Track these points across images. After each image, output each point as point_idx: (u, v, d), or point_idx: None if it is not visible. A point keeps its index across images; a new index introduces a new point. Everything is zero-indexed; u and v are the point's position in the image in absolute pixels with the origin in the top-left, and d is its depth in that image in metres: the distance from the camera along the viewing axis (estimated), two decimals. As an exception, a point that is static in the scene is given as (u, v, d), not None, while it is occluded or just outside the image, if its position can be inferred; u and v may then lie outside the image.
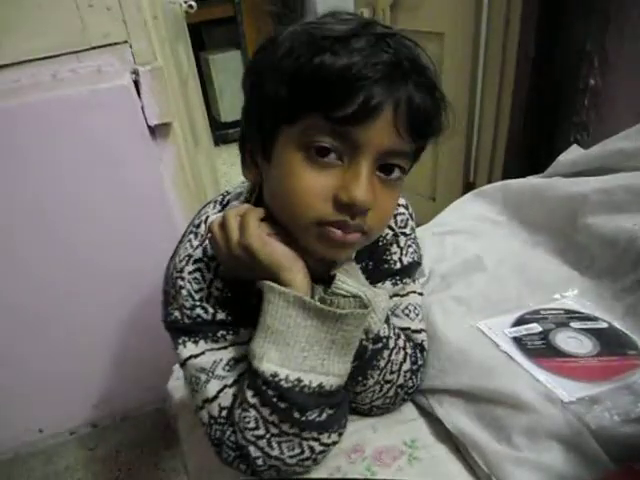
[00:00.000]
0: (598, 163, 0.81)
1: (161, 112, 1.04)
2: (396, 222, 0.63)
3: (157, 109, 1.02)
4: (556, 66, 1.35)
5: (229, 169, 2.68)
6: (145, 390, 1.29)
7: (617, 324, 0.63)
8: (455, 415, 0.54)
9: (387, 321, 0.56)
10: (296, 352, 0.46)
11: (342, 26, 0.42)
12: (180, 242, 0.58)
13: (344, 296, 0.48)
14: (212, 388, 0.51)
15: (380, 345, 0.54)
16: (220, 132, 2.97)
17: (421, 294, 0.65)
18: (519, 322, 0.64)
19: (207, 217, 0.57)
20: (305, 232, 0.46)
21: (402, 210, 0.64)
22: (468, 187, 1.61)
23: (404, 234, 0.63)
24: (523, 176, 1.00)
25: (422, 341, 0.61)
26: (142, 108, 1.02)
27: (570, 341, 0.60)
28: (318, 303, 0.46)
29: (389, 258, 0.62)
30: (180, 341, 0.53)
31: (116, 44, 0.99)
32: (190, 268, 0.53)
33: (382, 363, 0.55)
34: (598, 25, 1.25)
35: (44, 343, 1.17)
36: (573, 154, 0.90)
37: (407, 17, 1.58)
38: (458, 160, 1.60)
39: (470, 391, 0.55)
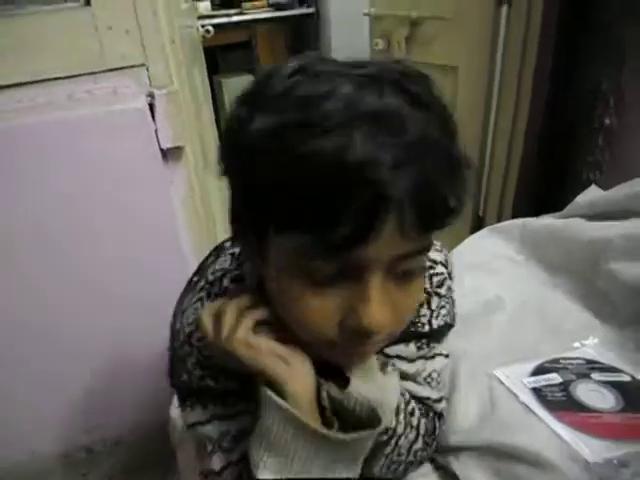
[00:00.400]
0: (619, 206, 0.79)
1: (175, 135, 1.03)
2: (431, 282, 0.55)
3: (171, 132, 1.02)
4: (570, 105, 1.35)
5: (237, 191, 2.68)
6: (141, 415, 1.26)
7: (640, 377, 0.60)
8: (472, 471, 0.52)
9: (396, 410, 0.51)
10: (295, 465, 0.41)
11: (338, 103, 0.32)
12: (187, 291, 0.53)
13: (353, 408, 0.43)
14: (217, 462, 0.48)
15: (385, 437, 0.50)
16: (229, 154, 2.98)
17: (447, 356, 0.58)
18: (538, 371, 0.61)
19: (223, 274, 0.51)
20: (322, 348, 0.41)
21: (440, 269, 0.56)
22: (477, 220, 1.59)
23: (438, 295, 0.56)
24: (533, 213, 0.98)
25: (442, 409, 0.57)
26: (156, 131, 1.02)
27: (592, 394, 0.57)
28: (319, 427, 0.40)
29: (417, 320, 0.55)
30: (187, 404, 0.49)
31: (133, 67, 0.99)
32: (200, 335, 0.47)
33: (388, 450, 0.51)
34: (614, 65, 1.25)
35: (38, 365, 1.14)
36: (592, 195, 0.88)
37: (422, 50, 1.58)
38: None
39: (488, 446, 0.52)
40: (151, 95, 0.99)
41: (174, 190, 1.09)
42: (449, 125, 0.36)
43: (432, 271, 0.55)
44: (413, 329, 0.54)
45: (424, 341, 0.55)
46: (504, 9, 1.32)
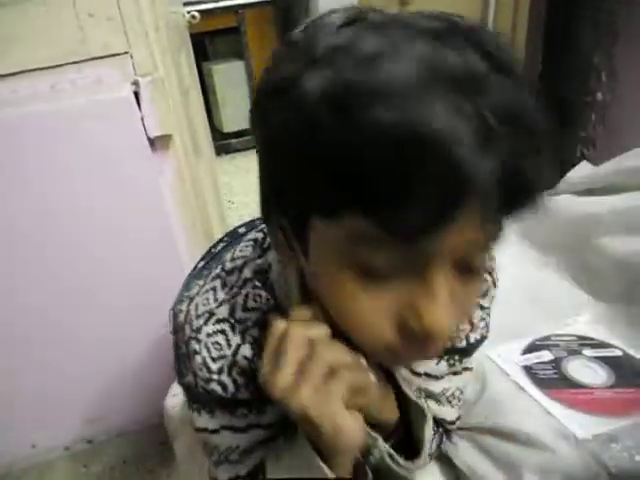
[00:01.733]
0: (609, 181, 0.79)
1: (161, 124, 1.02)
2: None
3: (157, 120, 1.01)
4: (563, 80, 1.33)
5: (231, 179, 2.66)
6: (142, 406, 1.26)
7: (632, 352, 0.60)
8: (465, 452, 0.52)
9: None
10: None
11: (410, 63, 0.26)
12: (195, 277, 0.47)
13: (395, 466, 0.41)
14: (224, 473, 0.45)
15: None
16: (222, 142, 2.95)
17: (470, 369, 0.53)
18: (530, 349, 0.61)
19: (244, 263, 0.44)
20: (374, 352, 0.35)
21: (486, 277, 0.48)
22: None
23: (481, 307, 0.50)
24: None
25: (451, 430, 0.54)
26: (142, 119, 1.00)
27: (583, 370, 0.57)
28: None
29: (455, 334, 0.49)
30: (195, 407, 0.44)
31: (116, 55, 0.97)
32: (210, 329, 0.42)
33: None
34: (606, 39, 1.23)
35: (38, 357, 1.15)
36: (583, 171, 0.87)
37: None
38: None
39: (481, 426, 0.52)
40: (136, 83, 0.98)
41: (163, 179, 1.08)
42: (534, 99, 0.29)
43: None
44: (449, 344, 0.48)
45: (457, 357, 0.50)
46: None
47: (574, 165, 0.97)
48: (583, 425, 0.49)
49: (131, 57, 0.97)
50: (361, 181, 0.26)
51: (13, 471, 1.24)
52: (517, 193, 0.27)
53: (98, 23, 0.92)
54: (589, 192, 0.79)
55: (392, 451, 0.42)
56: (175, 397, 0.83)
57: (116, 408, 1.28)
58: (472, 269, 0.31)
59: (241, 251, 0.46)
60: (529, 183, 0.28)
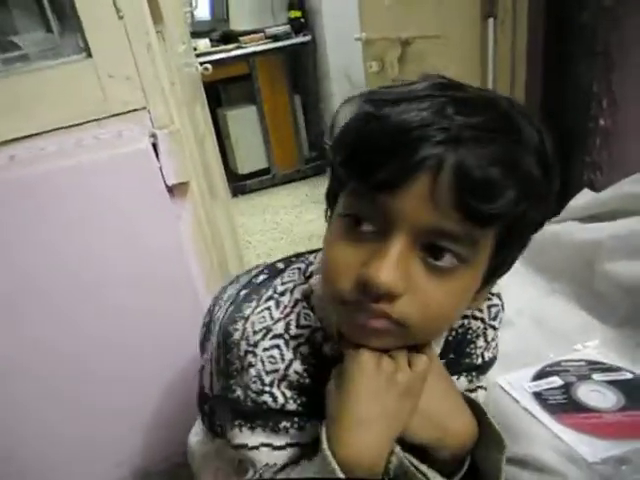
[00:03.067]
0: (611, 207, 0.80)
1: (178, 172, 1.07)
2: (490, 314, 0.54)
3: (175, 169, 1.06)
4: (565, 109, 1.36)
5: (247, 220, 2.72)
6: (167, 444, 1.27)
7: (642, 374, 0.61)
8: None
9: None
10: None
11: (409, 88, 0.39)
12: (246, 300, 0.51)
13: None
14: None
15: None
16: (237, 184, 3.03)
17: (486, 389, 0.57)
18: (540, 376, 0.62)
19: (294, 287, 0.50)
20: (337, 309, 0.42)
21: (496, 301, 0.55)
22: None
23: (493, 327, 0.55)
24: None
25: None
26: (160, 169, 1.06)
27: (593, 395, 0.58)
28: None
29: (473, 352, 0.54)
30: (236, 423, 0.47)
31: (135, 110, 1.04)
32: (267, 344, 0.45)
33: None
34: (603, 67, 1.27)
35: (58, 403, 1.17)
36: (584, 198, 0.89)
37: (414, 69, 1.62)
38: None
39: (491, 452, 0.53)
40: (154, 136, 1.04)
41: (182, 224, 1.13)
42: (537, 143, 0.38)
43: (489, 302, 0.54)
44: (468, 360, 0.54)
45: (474, 374, 0.55)
46: (490, 22, 1.35)
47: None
48: (593, 449, 0.50)
49: (149, 112, 1.04)
50: (357, 155, 0.37)
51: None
52: (473, 193, 0.34)
53: (118, 83, 0.99)
54: (591, 219, 0.81)
55: (412, 458, 0.43)
56: (197, 436, 0.85)
57: (141, 449, 1.29)
58: (439, 260, 0.37)
59: (289, 277, 0.52)
60: (487, 191, 0.34)
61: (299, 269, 0.52)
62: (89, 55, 0.97)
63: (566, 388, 0.60)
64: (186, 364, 1.12)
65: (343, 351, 0.43)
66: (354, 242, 0.39)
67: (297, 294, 0.49)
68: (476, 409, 0.46)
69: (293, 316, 0.47)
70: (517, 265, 0.86)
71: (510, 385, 0.61)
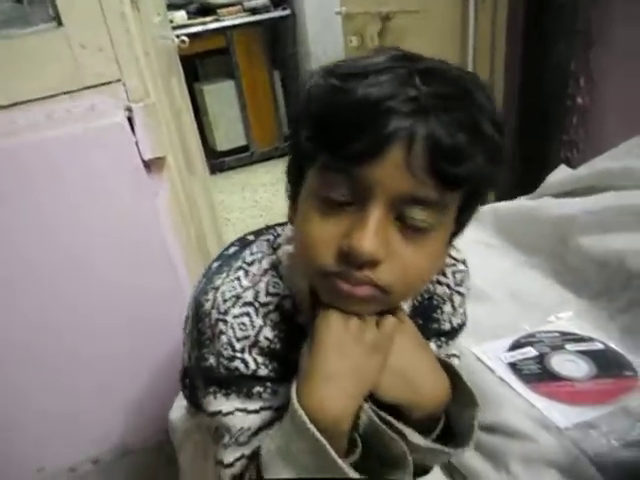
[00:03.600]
0: (586, 183, 0.82)
1: (155, 146, 1.05)
2: (455, 280, 0.56)
3: (151, 144, 1.04)
4: (543, 87, 1.37)
5: (226, 197, 2.70)
6: (147, 422, 1.27)
7: (613, 345, 0.63)
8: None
9: None
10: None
11: (372, 60, 0.39)
12: (217, 272, 0.52)
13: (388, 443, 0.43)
14: (230, 455, 0.49)
15: None
16: (216, 161, 2.99)
17: (459, 357, 0.59)
18: (515, 346, 0.64)
19: (262, 257, 0.52)
20: (318, 283, 0.43)
21: (461, 267, 0.56)
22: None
23: (459, 293, 0.56)
24: (515, 195, 1.01)
25: None
26: (136, 143, 1.03)
27: (566, 364, 0.60)
28: (351, 472, 0.41)
29: (440, 317, 0.56)
30: (210, 390, 0.48)
31: (109, 83, 1.00)
32: (237, 311, 0.47)
33: None
34: (582, 45, 1.28)
35: (42, 378, 1.16)
36: (561, 174, 0.91)
37: (394, 44, 1.60)
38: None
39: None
40: (129, 109, 1.01)
41: (159, 199, 1.11)
42: (490, 106, 0.39)
43: (454, 268, 0.56)
44: (436, 326, 0.56)
45: (443, 339, 0.57)
46: (471, -1, 1.35)
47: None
48: (565, 415, 0.52)
49: (123, 84, 1.01)
50: (327, 128, 0.38)
51: (21, 496, 1.25)
52: (443, 156, 0.36)
53: (90, 53, 0.96)
54: (566, 194, 0.83)
55: (387, 415, 0.44)
56: (179, 411, 0.85)
57: (121, 426, 1.29)
58: (415, 228, 0.39)
59: (258, 247, 0.53)
60: (455, 153, 0.36)
61: (267, 241, 0.54)
62: (60, 24, 0.93)
63: (540, 358, 0.62)
64: (168, 340, 1.12)
65: (316, 314, 0.45)
66: (331, 216, 0.39)
67: (265, 264, 0.51)
68: (449, 370, 0.47)
69: (262, 284, 0.49)
70: (497, 242, 0.89)
71: (486, 356, 0.62)
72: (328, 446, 0.40)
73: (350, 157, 0.37)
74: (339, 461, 0.40)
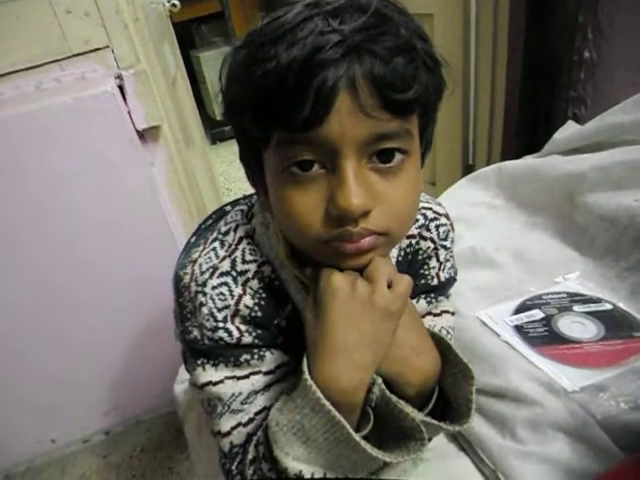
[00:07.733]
0: (595, 138, 0.78)
1: (148, 115, 1.02)
2: (438, 234, 0.56)
3: (144, 113, 1.01)
4: (549, 40, 1.32)
5: (228, 167, 2.66)
6: (156, 393, 1.29)
7: (622, 305, 0.61)
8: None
9: None
10: (327, 461, 0.42)
11: (284, 18, 0.37)
12: (194, 245, 0.52)
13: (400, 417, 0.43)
14: (226, 423, 0.48)
15: None
16: (216, 130, 2.94)
17: (453, 314, 0.58)
18: (520, 309, 0.62)
19: (236, 226, 0.52)
20: (318, 252, 0.42)
21: (444, 221, 0.56)
22: (468, 169, 1.58)
23: (444, 247, 0.56)
24: (522, 155, 0.97)
25: None
26: (129, 113, 1.01)
27: (573, 326, 0.58)
28: (366, 446, 0.40)
29: (427, 273, 0.56)
30: (199, 362, 0.48)
31: (98, 50, 0.97)
32: (215, 282, 0.47)
33: None
34: (590, -3, 1.22)
35: (52, 352, 1.17)
36: (569, 130, 0.87)
37: None
38: (456, 143, 1.58)
39: (472, 386, 0.53)
40: (119, 77, 0.98)
41: (155, 170, 1.09)
42: (410, 21, 0.39)
43: (437, 222, 0.56)
44: (423, 281, 0.55)
45: (432, 295, 0.56)
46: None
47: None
48: (572, 378, 0.51)
49: (112, 51, 0.97)
50: (268, 105, 0.37)
51: (35, 465, 1.28)
52: (387, 86, 0.35)
53: (76, 19, 0.92)
54: (575, 151, 0.79)
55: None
56: (183, 384, 0.85)
57: (131, 398, 1.31)
58: (389, 163, 0.39)
59: (232, 217, 0.53)
60: (397, 79, 0.36)
61: (242, 211, 0.54)
62: (42, -12, 0.89)
63: (547, 320, 0.60)
64: (171, 315, 1.12)
65: (315, 277, 0.44)
66: (307, 186, 0.39)
67: (240, 232, 0.51)
68: (441, 343, 0.46)
69: (238, 253, 0.49)
70: (500, 202, 0.86)
71: (491, 319, 0.61)
72: (344, 421, 0.39)
73: (302, 124, 0.36)
74: (355, 436, 0.40)
